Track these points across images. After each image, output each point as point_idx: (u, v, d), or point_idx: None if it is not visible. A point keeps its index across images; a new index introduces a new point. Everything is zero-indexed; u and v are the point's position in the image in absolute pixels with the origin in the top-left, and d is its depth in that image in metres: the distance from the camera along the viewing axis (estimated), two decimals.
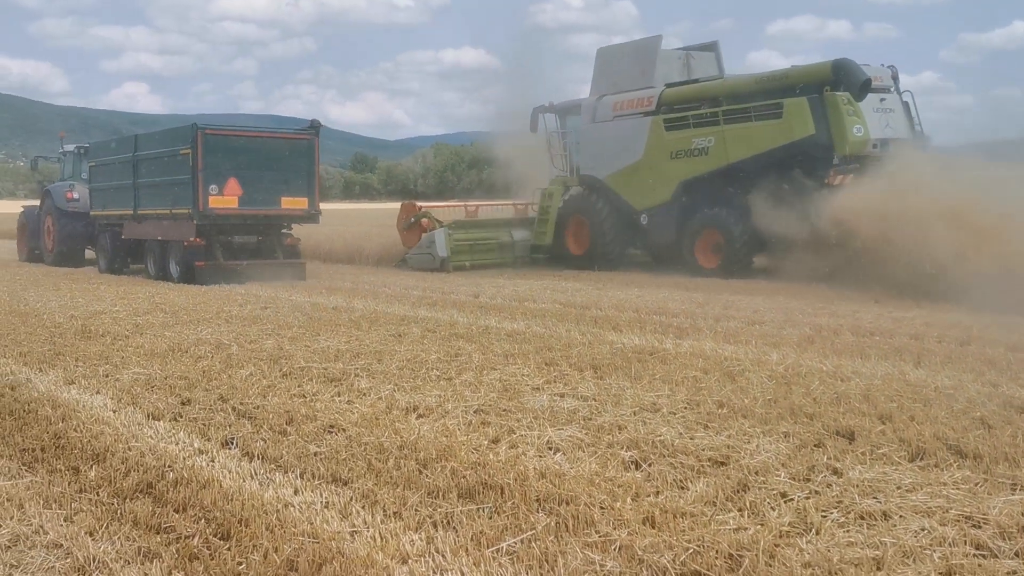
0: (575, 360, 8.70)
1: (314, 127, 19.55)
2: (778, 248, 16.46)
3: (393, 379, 7.95)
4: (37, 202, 26.17)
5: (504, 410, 6.75)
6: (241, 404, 7.05)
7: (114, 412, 6.98)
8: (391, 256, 22.83)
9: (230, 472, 5.40)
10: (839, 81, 16.43)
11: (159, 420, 6.69)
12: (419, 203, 23.04)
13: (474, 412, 6.70)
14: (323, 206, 20.18)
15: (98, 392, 7.69)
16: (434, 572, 3.99)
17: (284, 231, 19.62)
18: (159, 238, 19.56)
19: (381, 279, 18.30)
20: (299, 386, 7.70)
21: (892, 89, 17.40)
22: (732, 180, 17.89)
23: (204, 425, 6.48)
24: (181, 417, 6.75)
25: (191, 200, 18.02)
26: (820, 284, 14.60)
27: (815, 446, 5.72)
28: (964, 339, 9.66)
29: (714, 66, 20.83)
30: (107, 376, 8.32)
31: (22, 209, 27.36)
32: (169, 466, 5.50)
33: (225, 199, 18.15)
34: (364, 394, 7.38)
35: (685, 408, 6.74)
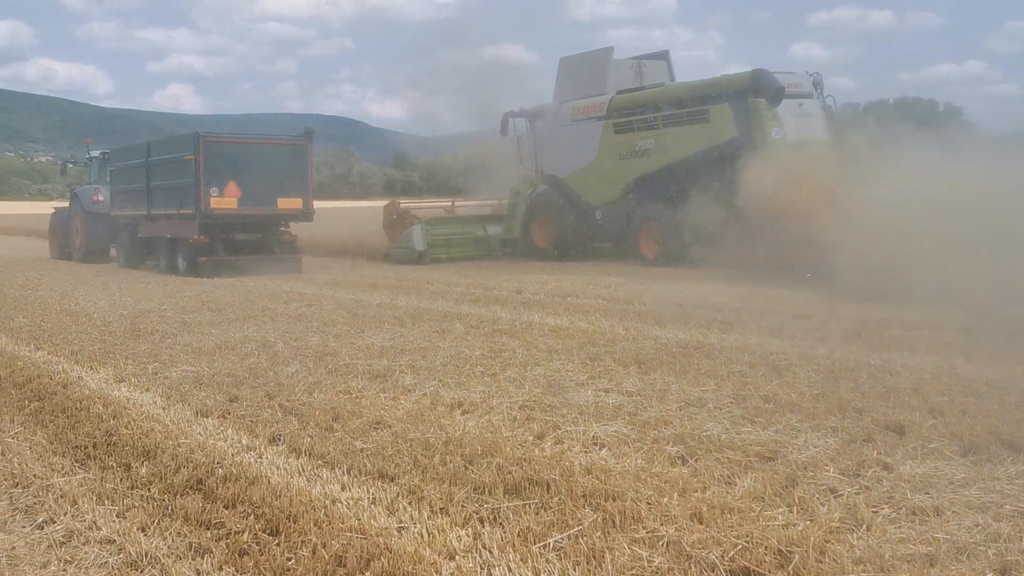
0: (619, 355, 8.67)
1: (307, 133, 21.30)
2: (711, 239, 17.59)
3: (437, 375, 7.97)
4: (67, 204, 28.24)
5: (549, 406, 6.75)
6: (288, 401, 7.11)
7: (163, 409, 7.07)
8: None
9: (278, 468, 5.45)
10: (756, 89, 17.89)
11: (207, 417, 6.77)
12: (400, 202, 25.11)
13: (519, 408, 6.70)
14: (364, 204, 20.77)
15: (147, 390, 7.80)
16: (481, 568, 3.99)
17: (282, 228, 21.14)
18: (169, 236, 21.26)
19: (424, 275, 18.36)
20: (344, 383, 7.75)
21: (814, 95, 18.86)
22: (671, 178, 19.20)
23: (251, 422, 6.55)
24: (229, 414, 6.82)
25: (194, 201, 19.61)
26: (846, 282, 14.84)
27: (864, 441, 5.65)
28: (1014, 332, 9.48)
29: (666, 73, 22.16)
30: (156, 374, 8.43)
31: (53, 211, 29.47)
32: (218, 462, 5.57)
33: (225, 200, 19.73)
34: (409, 390, 7.41)
35: (731, 403, 6.70)
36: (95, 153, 27.84)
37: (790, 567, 3.88)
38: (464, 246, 23.10)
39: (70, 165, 32.98)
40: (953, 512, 4.45)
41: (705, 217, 17.31)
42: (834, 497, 4.70)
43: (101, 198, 25.38)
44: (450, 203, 25.99)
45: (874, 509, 4.51)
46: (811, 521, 4.36)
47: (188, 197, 19.89)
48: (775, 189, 15.43)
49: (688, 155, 18.85)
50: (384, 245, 24.06)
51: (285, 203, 20.54)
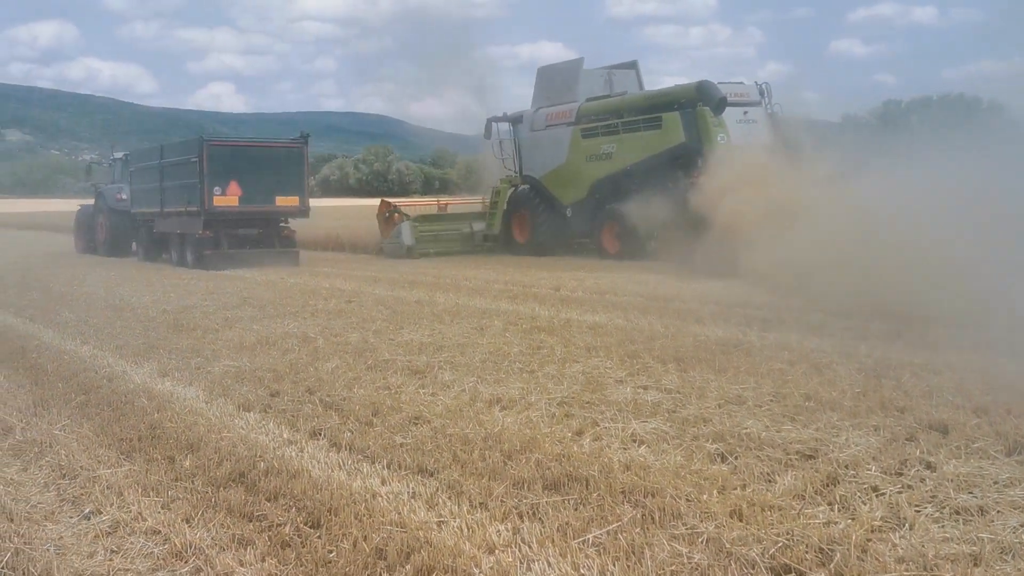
0: (658, 353, 8.64)
1: (303, 137, 22.93)
2: (664, 235, 18.78)
3: (476, 371, 8.00)
4: (92, 202, 30.19)
5: (587, 402, 6.75)
6: (328, 396, 7.18)
7: (206, 403, 7.17)
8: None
9: (319, 462, 5.51)
10: (701, 99, 19.50)
11: (249, 411, 6.85)
12: (392, 200, 26.88)
13: (557, 404, 6.71)
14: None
15: (191, 384, 7.91)
16: (521, 562, 4.01)
17: (281, 224, 22.97)
18: (179, 231, 23.21)
19: (463, 272, 18.42)
20: (384, 378, 7.81)
21: (761, 103, 20.31)
22: (629, 180, 20.54)
23: (292, 416, 6.62)
24: (270, 409, 6.90)
25: (199, 199, 21.49)
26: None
27: (907, 439, 5.60)
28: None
29: (635, 83, 23.82)
30: (199, 368, 8.54)
31: (79, 208, 31.33)
32: (260, 456, 5.63)
33: (227, 199, 21.62)
34: (448, 386, 7.45)
35: (771, 401, 6.65)
36: (118, 154, 29.93)
37: (831, 565, 3.86)
38: (450, 241, 24.87)
39: (95, 165, 34.70)
40: (998, 512, 4.40)
41: (658, 215, 18.68)
42: (876, 496, 4.66)
43: (124, 196, 27.14)
44: (438, 201, 28.23)
45: (917, 508, 4.47)
46: (853, 519, 4.33)
47: (194, 196, 21.70)
48: (715, 189, 16.79)
49: (644, 158, 20.33)
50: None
51: (283, 201, 22.34)
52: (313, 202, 23.87)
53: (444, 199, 29.37)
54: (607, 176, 21.50)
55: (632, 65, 24.41)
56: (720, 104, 19.26)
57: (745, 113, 19.86)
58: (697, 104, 19.54)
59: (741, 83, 20.51)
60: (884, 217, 12.18)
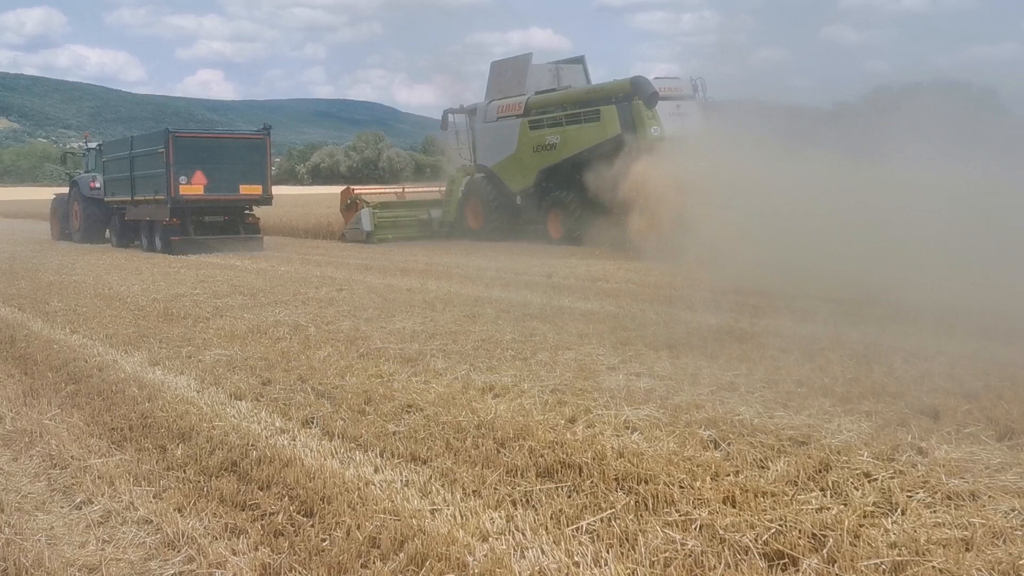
0: (650, 339, 8.65)
1: (266, 128, 24.29)
2: (600, 222, 19.76)
3: (468, 359, 7.99)
4: (67, 190, 31.26)
5: (580, 389, 6.75)
6: (320, 384, 7.16)
7: (198, 392, 7.14)
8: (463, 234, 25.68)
9: (311, 451, 5.49)
10: (636, 93, 20.81)
11: (241, 400, 6.83)
12: (353, 188, 28.31)
13: (550, 392, 6.70)
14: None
15: (182, 373, 7.88)
16: (515, 550, 4.00)
17: (246, 212, 24.24)
18: (148, 219, 24.36)
19: (454, 260, 18.41)
20: (376, 366, 7.79)
21: (694, 97, 21.74)
22: (571, 169, 21.82)
23: (285, 405, 6.60)
24: (262, 397, 6.88)
25: (166, 188, 22.69)
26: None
27: (899, 425, 5.61)
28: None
29: (582, 77, 25.04)
30: (190, 357, 8.51)
31: (54, 196, 32.49)
32: (252, 445, 5.61)
33: (192, 187, 22.80)
34: (440, 374, 7.43)
35: (763, 387, 6.66)
36: (92, 145, 31.02)
37: (824, 551, 3.87)
38: (409, 227, 26.03)
39: (70, 155, 35.23)
40: (989, 497, 4.41)
41: (595, 203, 19.85)
42: (868, 481, 4.67)
43: (97, 185, 28.16)
44: (400, 189, 30.39)
45: (909, 493, 4.48)
46: (845, 505, 4.34)
47: (161, 185, 22.89)
48: (641, 179, 18.00)
49: (584, 149, 21.61)
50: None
51: (246, 189, 23.49)
52: (304, 190, 24.58)
53: (408, 188, 31.37)
54: (552, 166, 22.74)
55: (579, 60, 25.60)
56: (652, 98, 20.50)
57: (678, 107, 21.15)
58: (632, 98, 20.79)
59: (676, 79, 21.93)
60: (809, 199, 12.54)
